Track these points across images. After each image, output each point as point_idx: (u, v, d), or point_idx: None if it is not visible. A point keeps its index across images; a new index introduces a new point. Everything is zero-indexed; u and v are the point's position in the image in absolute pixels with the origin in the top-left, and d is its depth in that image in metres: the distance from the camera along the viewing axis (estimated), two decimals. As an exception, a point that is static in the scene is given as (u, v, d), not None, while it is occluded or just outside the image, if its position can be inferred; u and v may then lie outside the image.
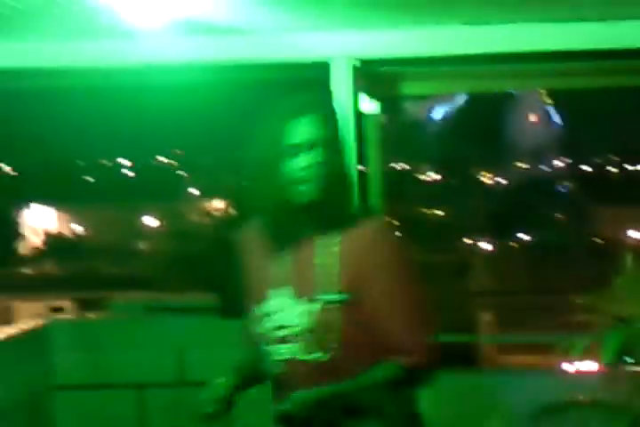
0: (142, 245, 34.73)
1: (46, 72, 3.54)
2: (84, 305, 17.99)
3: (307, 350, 2.41)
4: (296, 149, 2.39)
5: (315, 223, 2.42)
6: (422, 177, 26.78)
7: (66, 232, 39.15)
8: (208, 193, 37.20)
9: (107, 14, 2.96)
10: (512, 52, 3.39)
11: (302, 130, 2.41)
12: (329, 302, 2.37)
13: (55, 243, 37.12)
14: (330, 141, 2.42)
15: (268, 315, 2.47)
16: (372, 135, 3.59)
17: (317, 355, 2.39)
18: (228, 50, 3.35)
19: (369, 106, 3.54)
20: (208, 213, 37.18)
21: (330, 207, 2.39)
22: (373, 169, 3.59)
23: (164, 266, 26.62)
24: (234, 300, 3.97)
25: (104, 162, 40.45)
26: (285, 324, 2.44)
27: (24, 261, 34.13)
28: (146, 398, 3.93)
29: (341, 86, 3.30)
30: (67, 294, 22.22)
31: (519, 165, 27.36)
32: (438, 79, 3.88)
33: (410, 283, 2.41)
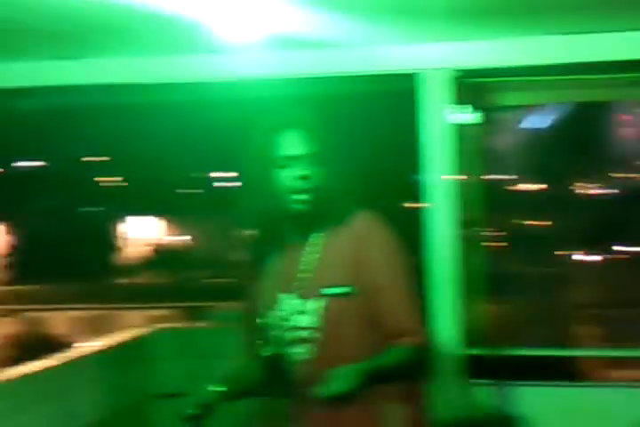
0: (242, 256, 34.92)
1: (144, 87, 3.61)
2: (187, 314, 18.25)
3: (320, 347, 2.46)
4: (290, 161, 2.48)
5: (308, 227, 2.51)
6: (520, 188, 26.35)
7: (168, 243, 39.77)
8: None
9: (201, 30, 3.00)
10: (613, 61, 3.31)
11: (297, 142, 2.50)
12: (334, 297, 2.44)
13: (158, 253, 37.73)
14: (320, 154, 2.50)
15: (278, 319, 2.54)
16: (471, 146, 3.54)
17: (330, 350, 2.45)
18: (319, 63, 3.36)
19: (466, 117, 3.50)
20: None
21: (323, 213, 2.47)
22: (472, 180, 3.55)
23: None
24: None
25: (207, 175, 41.00)
26: (297, 325, 2.50)
27: (129, 270, 34.75)
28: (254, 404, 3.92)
29: (435, 98, 3.26)
30: (169, 304, 22.57)
31: (619, 174, 26.67)
32: (537, 89, 3.81)
33: (405, 269, 2.51)
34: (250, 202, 2.56)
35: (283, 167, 2.48)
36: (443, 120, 3.29)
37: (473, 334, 3.79)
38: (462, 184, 3.45)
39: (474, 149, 3.55)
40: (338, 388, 2.20)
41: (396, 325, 2.41)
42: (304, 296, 2.48)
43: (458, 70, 3.30)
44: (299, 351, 2.50)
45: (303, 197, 2.46)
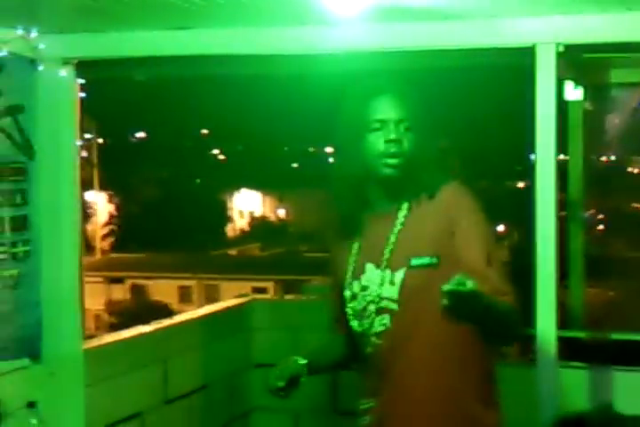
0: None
1: (252, 59, 3.61)
2: (286, 287, 18.42)
3: (398, 318, 2.42)
4: (381, 124, 2.42)
5: (397, 195, 2.47)
6: (633, 170, 25.66)
7: (271, 216, 40.20)
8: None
9: (311, 1, 2.98)
10: None
11: (390, 106, 2.45)
12: (418, 268, 2.38)
13: (260, 226, 38.18)
14: (413, 121, 2.44)
15: (361, 290, 2.49)
16: (575, 124, 3.45)
17: (408, 322, 2.41)
18: (429, 36, 3.30)
19: (573, 93, 3.41)
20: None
21: (412, 180, 2.43)
22: (575, 158, 3.46)
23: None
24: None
25: (311, 149, 41.20)
26: (381, 295, 2.45)
27: (231, 242, 35.31)
28: (339, 377, 3.94)
29: (545, 72, 3.18)
30: (269, 276, 22.85)
31: None
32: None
33: (492, 237, 2.51)
34: (342, 167, 2.54)
35: (374, 131, 2.43)
36: (553, 97, 3.21)
37: (570, 316, 3.71)
38: (569, 164, 3.37)
39: (578, 127, 3.46)
40: (465, 286, 2.12)
41: (489, 287, 2.32)
42: (391, 266, 2.46)
43: (565, 45, 3.20)
44: (381, 322, 2.49)
45: (393, 161, 2.41)
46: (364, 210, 2.51)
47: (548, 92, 3.16)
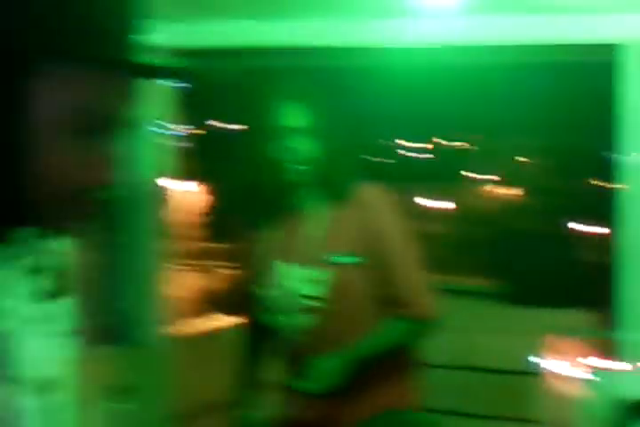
0: (428, 227, 34.91)
1: (340, 51, 3.59)
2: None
3: (324, 316, 2.42)
4: (287, 131, 2.44)
5: (306, 198, 2.50)
6: None
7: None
8: (501, 179, 36.70)
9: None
10: None
11: (295, 111, 2.46)
12: (342, 266, 2.40)
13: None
14: (320, 124, 2.46)
15: (284, 286, 2.50)
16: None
17: (334, 320, 2.43)
18: (516, 30, 3.23)
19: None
20: (495, 199, 36.71)
21: (322, 184, 2.45)
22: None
23: (449, 249, 26.56)
24: (523, 287, 3.84)
25: (397, 143, 41.00)
26: (301, 293, 2.47)
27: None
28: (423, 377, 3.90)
29: (635, 71, 3.09)
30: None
31: None
32: None
33: (411, 242, 2.51)
34: (248, 170, 2.57)
35: (280, 138, 2.44)
36: (634, 94, 3.11)
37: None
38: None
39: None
40: (318, 385, 2.27)
41: (400, 293, 2.40)
42: (308, 265, 2.43)
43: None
44: (301, 321, 2.46)
45: (297, 167, 2.43)
46: (285, 208, 2.55)
47: (637, 91, 3.08)
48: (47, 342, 1.13)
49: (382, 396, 2.48)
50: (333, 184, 2.49)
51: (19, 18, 0.91)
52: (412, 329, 2.47)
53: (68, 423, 1.18)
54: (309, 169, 2.44)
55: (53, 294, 1.16)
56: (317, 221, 2.51)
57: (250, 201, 2.62)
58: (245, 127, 2.65)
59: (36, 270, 1.11)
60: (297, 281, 2.48)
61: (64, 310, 1.19)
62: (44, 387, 1.10)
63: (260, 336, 2.63)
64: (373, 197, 2.49)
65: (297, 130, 2.45)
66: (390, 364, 2.49)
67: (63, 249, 1.16)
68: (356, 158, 2.64)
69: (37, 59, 0.93)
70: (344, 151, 2.56)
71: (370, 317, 2.45)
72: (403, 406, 2.54)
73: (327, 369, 2.32)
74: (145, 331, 3.19)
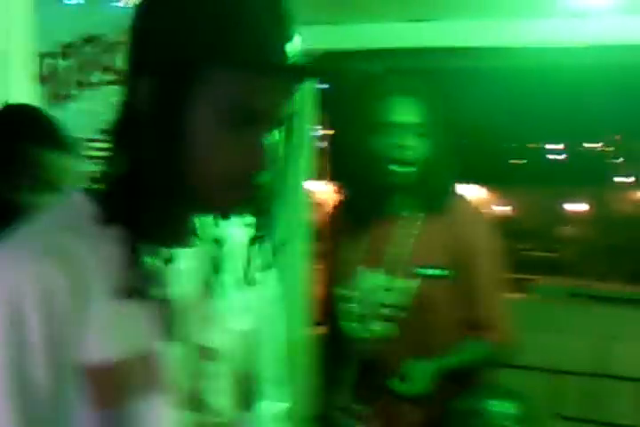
0: (567, 231, 34.26)
1: (492, 51, 3.58)
2: (509, 285, 18.12)
3: (404, 326, 2.33)
4: (392, 128, 2.30)
5: (408, 203, 2.37)
6: None
7: (491, 212, 39.75)
8: (640, 182, 35.77)
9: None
10: None
11: (407, 108, 2.32)
12: (429, 277, 2.30)
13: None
14: (431, 126, 2.31)
15: (363, 293, 2.40)
16: None
17: (413, 331, 2.33)
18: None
19: None
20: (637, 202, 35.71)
21: (426, 191, 2.33)
22: None
23: (589, 253, 26.03)
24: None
25: (535, 145, 40.42)
26: (381, 302, 2.36)
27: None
28: (561, 383, 3.86)
29: None
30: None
31: None
32: None
33: (502, 264, 2.40)
34: (347, 168, 2.48)
35: (384, 134, 2.33)
36: None
37: None
38: None
39: None
40: (416, 387, 2.19)
41: (483, 315, 2.33)
42: (393, 273, 2.36)
43: None
44: (379, 329, 2.39)
45: (401, 168, 2.31)
46: (377, 212, 2.44)
47: None
48: None
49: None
50: (432, 193, 2.40)
51: (191, 33, 1.07)
52: (494, 352, 2.42)
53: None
54: (413, 172, 2.35)
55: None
56: (409, 228, 2.43)
57: (353, 201, 2.58)
58: (360, 126, 2.45)
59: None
60: (380, 289, 2.42)
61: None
62: None
63: (337, 344, 2.55)
64: (469, 212, 2.42)
65: (408, 127, 2.34)
66: (463, 382, 2.42)
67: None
68: (458, 165, 2.52)
69: (204, 66, 1.08)
70: (449, 156, 2.43)
71: (449, 331, 2.39)
72: None
73: (426, 372, 2.30)
74: (293, 331, 3.24)
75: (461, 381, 2.39)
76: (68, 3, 2.88)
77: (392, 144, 2.34)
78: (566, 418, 3.89)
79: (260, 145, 1.12)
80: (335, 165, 2.60)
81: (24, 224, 1.14)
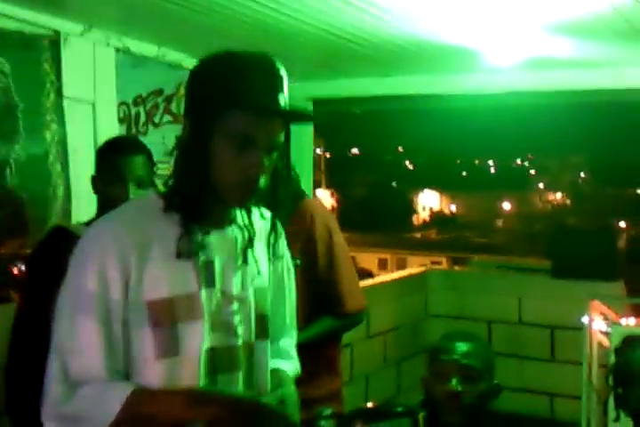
0: (499, 223, 34.29)
1: (433, 97, 3.60)
2: (454, 261, 18.19)
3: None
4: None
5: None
6: None
7: (445, 210, 39.75)
8: (550, 187, 35.70)
9: (475, 55, 2.94)
10: None
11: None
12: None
13: (437, 217, 37.86)
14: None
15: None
16: None
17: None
18: (565, 81, 3.16)
19: None
20: (548, 202, 35.71)
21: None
22: None
23: (513, 238, 26.13)
24: (562, 263, 3.75)
25: (476, 162, 40.43)
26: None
27: (416, 228, 35.31)
28: (493, 329, 3.86)
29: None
30: (443, 253, 22.62)
31: None
32: None
33: (345, 245, 2.06)
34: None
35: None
36: None
37: None
38: None
39: None
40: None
41: (329, 293, 2.00)
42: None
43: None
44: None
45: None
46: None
47: None
48: None
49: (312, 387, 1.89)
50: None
51: (215, 89, 1.21)
52: (341, 323, 2.05)
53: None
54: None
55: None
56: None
57: None
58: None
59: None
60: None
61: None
62: None
63: None
64: (313, 207, 2.05)
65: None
66: (319, 354, 2.03)
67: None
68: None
69: (221, 109, 1.21)
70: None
71: (302, 311, 1.75)
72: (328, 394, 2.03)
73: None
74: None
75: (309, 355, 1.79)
76: (139, 66, 2.90)
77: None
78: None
79: (257, 161, 1.21)
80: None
81: (117, 209, 1.29)
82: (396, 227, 29.84)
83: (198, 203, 1.23)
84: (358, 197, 34.74)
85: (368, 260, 22.00)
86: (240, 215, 1.32)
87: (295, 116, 1.29)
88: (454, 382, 1.77)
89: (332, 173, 30.02)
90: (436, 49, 2.84)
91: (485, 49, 2.81)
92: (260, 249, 1.33)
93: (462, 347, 1.84)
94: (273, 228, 1.34)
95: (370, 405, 1.34)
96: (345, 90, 3.52)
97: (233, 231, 1.29)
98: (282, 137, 1.23)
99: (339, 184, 32.00)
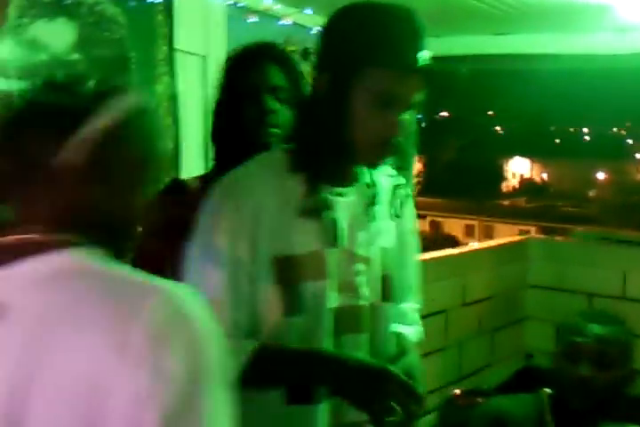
0: (592, 193, 33.18)
1: (550, 57, 3.43)
2: (545, 231, 17.74)
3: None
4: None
5: None
6: None
7: (536, 178, 38.73)
8: (650, 157, 34.19)
9: (605, 10, 2.76)
10: None
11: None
12: None
13: (527, 185, 36.97)
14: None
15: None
16: None
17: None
18: None
19: None
20: (647, 173, 34.21)
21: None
22: None
23: (607, 209, 25.24)
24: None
25: (570, 129, 39.09)
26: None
27: (504, 195, 34.62)
28: (593, 303, 3.73)
29: None
30: (531, 222, 22.13)
31: None
32: None
33: None
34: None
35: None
36: None
37: None
38: None
39: None
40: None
41: None
42: None
43: None
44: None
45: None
46: None
47: None
48: None
49: None
50: None
51: (355, 45, 1.20)
52: None
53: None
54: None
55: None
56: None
57: None
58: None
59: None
60: None
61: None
62: None
63: None
64: None
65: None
66: None
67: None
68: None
69: (363, 66, 1.20)
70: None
71: None
72: None
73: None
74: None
75: None
76: (250, 21, 2.88)
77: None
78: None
79: (397, 120, 1.20)
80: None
81: (245, 165, 1.27)
82: (483, 193, 29.31)
83: (328, 161, 1.21)
84: (446, 161, 34.25)
85: (454, 226, 21.81)
86: (365, 174, 1.30)
87: (437, 74, 1.25)
88: (585, 366, 1.68)
89: (419, 136, 29.60)
90: (563, 4, 2.69)
91: (618, 4, 2.64)
92: (384, 209, 1.31)
93: (598, 330, 1.72)
94: (398, 187, 1.30)
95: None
96: (455, 48, 3.40)
97: (358, 190, 1.28)
98: (420, 96, 1.22)
99: (426, 147, 31.64)
